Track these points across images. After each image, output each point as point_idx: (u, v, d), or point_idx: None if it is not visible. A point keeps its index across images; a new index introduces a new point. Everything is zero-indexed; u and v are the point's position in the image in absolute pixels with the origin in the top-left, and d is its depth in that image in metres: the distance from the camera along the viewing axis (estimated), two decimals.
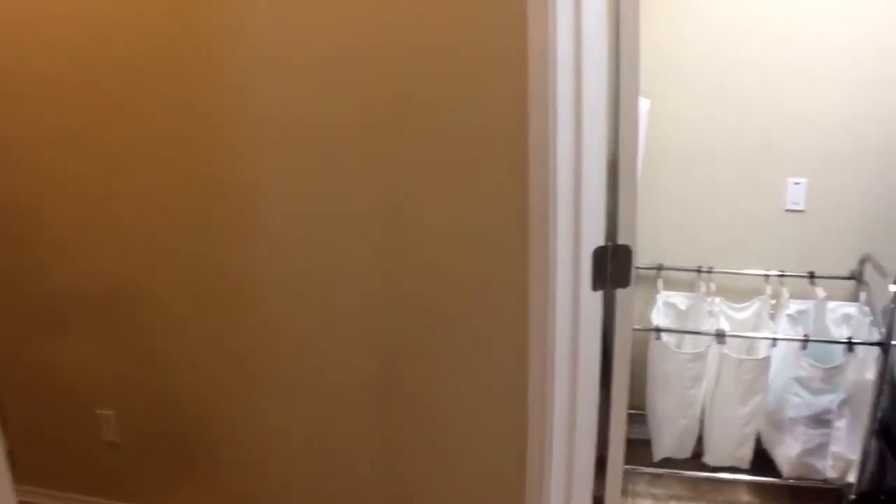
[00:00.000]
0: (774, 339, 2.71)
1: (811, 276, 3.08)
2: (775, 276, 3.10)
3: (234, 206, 2.07)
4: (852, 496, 2.80)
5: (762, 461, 2.95)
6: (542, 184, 1.49)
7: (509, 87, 1.62)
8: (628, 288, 1.60)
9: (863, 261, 3.04)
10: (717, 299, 3.03)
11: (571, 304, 1.55)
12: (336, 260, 1.96)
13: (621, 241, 1.57)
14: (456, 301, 1.81)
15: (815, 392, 2.73)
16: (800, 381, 2.74)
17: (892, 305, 2.61)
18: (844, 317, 2.97)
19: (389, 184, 1.80)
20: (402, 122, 1.76)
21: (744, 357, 2.75)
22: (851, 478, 2.79)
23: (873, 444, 2.71)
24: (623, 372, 1.65)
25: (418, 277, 1.84)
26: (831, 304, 2.97)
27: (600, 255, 1.55)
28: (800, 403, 2.76)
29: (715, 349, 2.80)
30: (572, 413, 1.61)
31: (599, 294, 1.58)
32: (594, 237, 1.53)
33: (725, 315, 3.06)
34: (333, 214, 1.94)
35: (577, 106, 1.43)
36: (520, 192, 1.63)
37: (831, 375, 2.70)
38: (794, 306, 3.02)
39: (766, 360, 2.72)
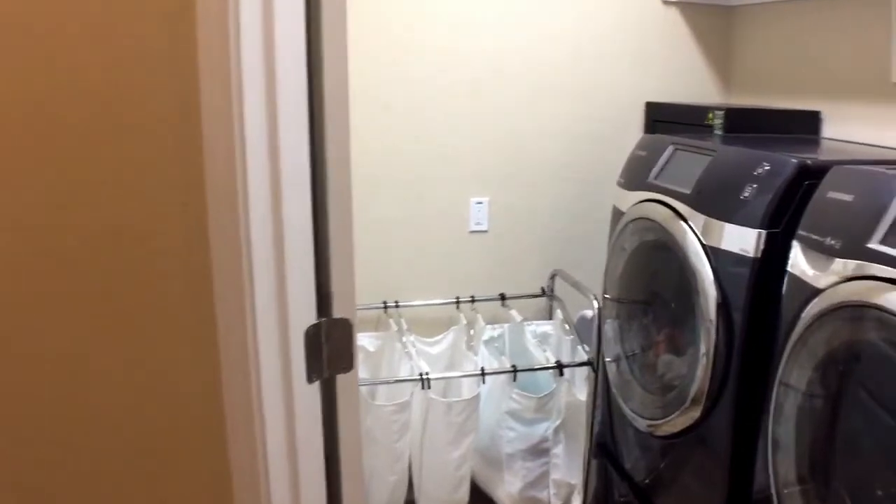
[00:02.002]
0: (483, 375, 2.48)
1: (503, 297, 2.91)
2: (466, 302, 2.89)
3: None
4: None
5: (480, 501, 2.72)
6: (233, 249, 1.07)
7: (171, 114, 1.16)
8: (352, 371, 1.22)
9: (552, 276, 2.93)
10: (413, 337, 2.76)
11: (284, 410, 1.13)
12: None
13: (338, 313, 1.18)
14: (118, 430, 1.31)
15: (529, 423, 2.56)
16: (513, 415, 2.54)
17: (594, 322, 2.50)
18: (543, 336, 2.84)
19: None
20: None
21: (453, 399, 2.49)
22: (576, 502, 2.66)
23: (593, 463, 2.60)
24: (355, 482, 1.27)
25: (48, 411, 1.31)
26: (529, 327, 2.82)
27: (313, 337, 1.15)
28: (515, 437, 2.56)
29: (419, 394, 2.51)
30: None
31: (317, 387, 1.18)
32: (305, 313, 1.14)
33: (419, 352, 2.79)
34: None
35: (272, 138, 1.02)
36: (198, 264, 1.18)
37: (544, 403, 2.53)
38: (489, 332, 2.84)
39: (475, 399, 2.49)
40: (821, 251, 1.52)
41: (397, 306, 2.87)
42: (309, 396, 1.17)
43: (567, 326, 2.78)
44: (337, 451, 1.25)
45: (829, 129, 2.49)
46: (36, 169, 1.12)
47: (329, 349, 1.19)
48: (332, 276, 1.17)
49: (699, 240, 1.91)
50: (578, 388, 2.61)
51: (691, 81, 2.98)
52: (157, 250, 1.19)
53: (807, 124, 2.51)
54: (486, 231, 2.89)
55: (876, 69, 2.29)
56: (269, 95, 1.01)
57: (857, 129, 2.38)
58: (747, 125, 2.45)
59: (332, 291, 1.18)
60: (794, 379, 1.59)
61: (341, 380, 1.22)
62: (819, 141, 2.41)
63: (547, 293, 2.96)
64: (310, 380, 1.17)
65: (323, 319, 1.17)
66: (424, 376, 2.43)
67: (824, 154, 2.03)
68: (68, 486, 1.29)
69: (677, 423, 2.03)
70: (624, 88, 2.90)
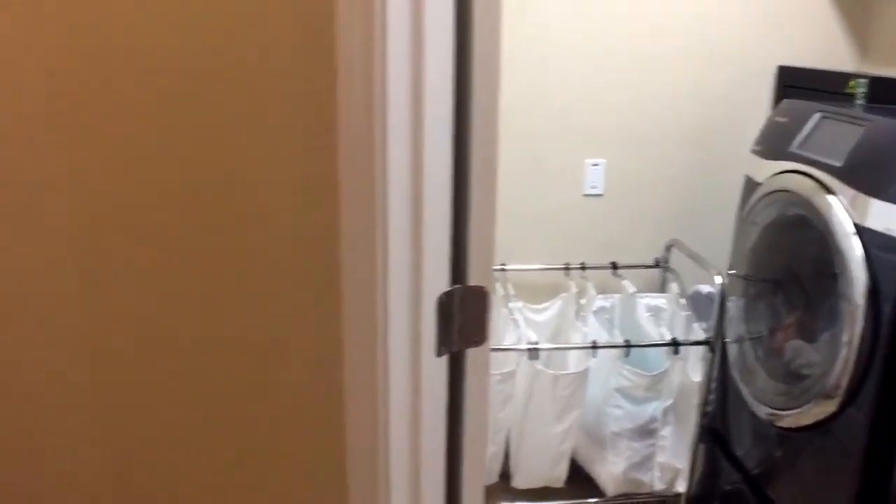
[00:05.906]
0: (595, 348, 2.35)
1: (614, 266, 2.77)
2: (576, 269, 2.75)
3: None
4: None
5: (578, 478, 2.61)
6: (366, 201, 0.97)
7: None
8: (484, 345, 1.12)
9: (669, 247, 2.77)
10: (520, 303, 2.64)
11: (410, 386, 1.04)
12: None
13: (473, 281, 1.07)
14: (230, 394, 1.23)
15: (639, 401, 2.43)
16: (622, 392, 2.41)
17: (714, 298, 2.34)
18: (655, 310, 2.68)
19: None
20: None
21: (561, 372, 2.37)
22: (680, 487, 2.53)
23: (701, 448, 2.46)
24: (477, 466, 1.17)
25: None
26: (641, 299, 2.67)
27: (445, 305, 1.05)
28: (622, 416, 2.44)
29: (525, 364, 2.40)
30: None
31: (444, 361, 1.08)
32: (438, 280, 1.03)
33: (526, 319, 2.67)
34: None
35: (416, 84, 0.91)
36: (322, 221, 1.08)
37: (656, 382, 2.39)
38: (598, 302, 2.70)
39: (584, 373, 2.36)
40: None
41: (504, 269, 2.75)
42: (436, 371, 1.07)
43: (683, 301, 2.62)
44: (460, 432, 1.15)
45: None
46: (157, 114, 1.04)
47: (461, 320, 1.08)
48: (471, 239, 1.06)
49: (849, 218, 1.73)
50: (692, 367, 2.46)
51: (824, 47, 2.75)
52: (272, 204, 1.09)
53: None
54: (601, 195, 2.75)
55: None
56: (414, 27, 0.90)
57: None
58: (893, 96, 2.24)
59: (469, 256, 1.07)
60: None
61: (472, 354, 1.11)
62: None
63: (661, 264, 2.80)
64: (439, 353, 1.06)
65: (457, 287, 1.06)
66: (533, 346, 2.31)
67: None
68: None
69: (809, 415, 1.87)
70: (753, 51, 2.69)
